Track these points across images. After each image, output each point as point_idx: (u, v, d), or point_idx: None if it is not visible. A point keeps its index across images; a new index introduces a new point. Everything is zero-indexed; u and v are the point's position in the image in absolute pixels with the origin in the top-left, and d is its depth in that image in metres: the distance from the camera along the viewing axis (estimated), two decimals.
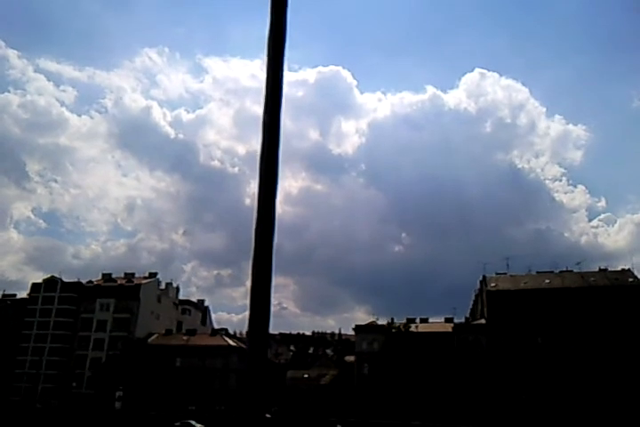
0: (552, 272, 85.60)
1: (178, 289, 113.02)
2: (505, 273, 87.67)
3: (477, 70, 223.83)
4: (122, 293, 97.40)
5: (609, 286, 78.31)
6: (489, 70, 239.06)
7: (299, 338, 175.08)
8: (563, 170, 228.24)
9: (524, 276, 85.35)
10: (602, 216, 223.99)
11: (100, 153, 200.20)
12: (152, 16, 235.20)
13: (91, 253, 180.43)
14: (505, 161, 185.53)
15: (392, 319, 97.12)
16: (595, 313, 76.28)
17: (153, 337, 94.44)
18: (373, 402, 74.63)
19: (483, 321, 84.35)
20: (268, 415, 72.38)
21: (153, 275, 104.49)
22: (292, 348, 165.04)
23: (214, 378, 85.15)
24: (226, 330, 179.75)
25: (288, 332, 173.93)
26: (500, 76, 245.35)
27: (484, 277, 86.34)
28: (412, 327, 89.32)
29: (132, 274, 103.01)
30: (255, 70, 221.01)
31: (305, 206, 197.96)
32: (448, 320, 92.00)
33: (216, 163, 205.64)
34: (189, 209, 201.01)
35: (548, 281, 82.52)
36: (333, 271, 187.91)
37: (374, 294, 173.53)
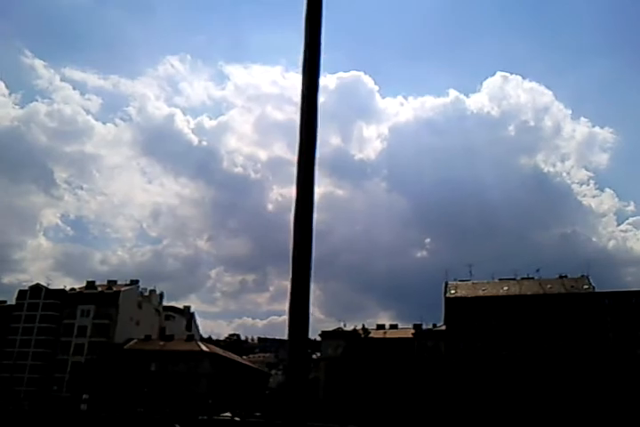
0: (513, 279, 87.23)
1: (162, 296, 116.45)
2: (468, 280, 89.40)
3: (499, 73, 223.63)
4: (102, 299, 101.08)
5: (563, 293, 79.84)
6: (511, 73, 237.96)
7: (309, 344, 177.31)
8: (590, 174, 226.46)
9: (485, 283, 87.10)
10: (631, 220, 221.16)
11: (125, 160, 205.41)
12: (174, 24, 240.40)
13: (117, 259, 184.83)
14: (529, 165, 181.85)
15: (363, 325, 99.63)
16: (549, 320, 77.86)
17: (131, 342, 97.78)
18: (328, 406, 76.89)
19: (444, 327, 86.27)
20: (237, 418, 75.22)
21: (134, 282, 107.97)
22: None
23: (186, 382, 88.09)
24: (238, 336, 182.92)
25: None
26: (523, 79, 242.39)
27: (446, 283, 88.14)
28: (380, 334, 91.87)
29: (115, 281, 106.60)
30: (276, 76, 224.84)
31: (328, 212, 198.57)
32: (417, 327, 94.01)
33: (239, 169, 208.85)
34: (213, 215, 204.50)
35: (506, 288, 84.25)
36: (357, 277, 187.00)
37: (398, 299, 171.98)
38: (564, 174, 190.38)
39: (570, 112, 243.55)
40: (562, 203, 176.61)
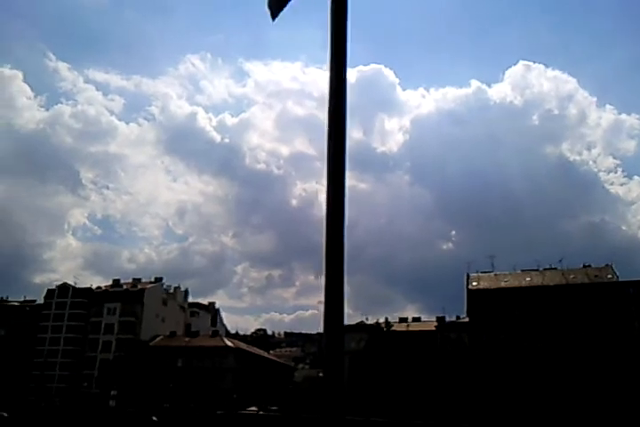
0: (536, 270, 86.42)
1: (186, 293, 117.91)
2: (491, 271, 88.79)
3: (522, 62, 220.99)
4: (127, 297, 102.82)
5: (587, 283, 78.85)
6: (534, 62, 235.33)
7: None
8: (617, 161, 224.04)
9: (507, 274, 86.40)
10: None
11: (150, 159, 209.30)
12: (193, 23, 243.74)
13: (145, 257, 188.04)
14: (555, 154, 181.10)
15: (386, 318, 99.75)
16: (573, 310, 76.96)
17: (157, 339, 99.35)
18: (351, 399, 77.18)
19: (467, 319, 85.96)
20: (261, 412, 75.96)
21: (159, 279, 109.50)
22: None
23: (211, 377, 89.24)
24: (264, 331, 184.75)
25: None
26: (546, 67, 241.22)
27: (468, 275, 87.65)
28: (403, 327, 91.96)
29: (139, 279, 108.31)
30: (296, 72, 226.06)
31: (351, 206, 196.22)
32: (439, 319, 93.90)
33: (261, 165, 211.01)
34: (238, 211, 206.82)
35: (529, 279, 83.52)
36: (383, 270, 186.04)
37: (424, 292, 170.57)
38: (591, 163, 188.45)
39: (595, 100, 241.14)
40: (589, 191, 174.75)
